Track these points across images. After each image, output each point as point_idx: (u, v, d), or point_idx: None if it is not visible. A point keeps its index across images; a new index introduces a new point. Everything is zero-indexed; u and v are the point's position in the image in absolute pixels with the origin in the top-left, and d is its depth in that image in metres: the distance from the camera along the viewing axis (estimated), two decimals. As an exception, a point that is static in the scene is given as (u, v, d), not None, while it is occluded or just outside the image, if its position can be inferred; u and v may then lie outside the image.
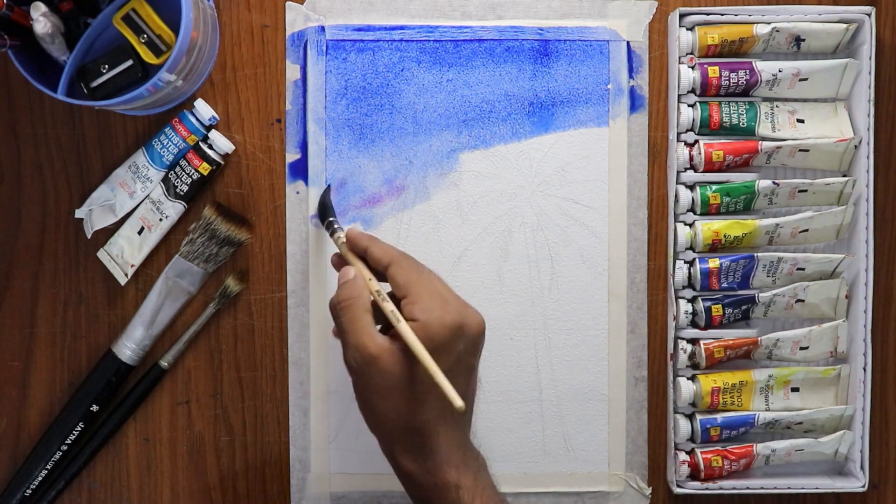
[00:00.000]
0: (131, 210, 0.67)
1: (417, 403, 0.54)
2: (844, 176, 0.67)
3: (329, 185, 0.67)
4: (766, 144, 0.66)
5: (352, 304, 0.55)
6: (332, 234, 0.62)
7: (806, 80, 0.66)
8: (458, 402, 0.51)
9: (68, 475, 0.67)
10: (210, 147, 0.66)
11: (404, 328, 0.53)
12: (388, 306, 0.55)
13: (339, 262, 0.61)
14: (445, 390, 0.51)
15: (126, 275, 0.67)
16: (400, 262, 0.57)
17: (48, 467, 0.67)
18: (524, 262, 0.68)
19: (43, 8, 0.58)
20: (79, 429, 0.67)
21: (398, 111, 0.68)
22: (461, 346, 0.55)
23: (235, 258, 0.68)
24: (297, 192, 0.68)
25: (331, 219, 0.63)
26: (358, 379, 0.56)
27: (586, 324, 0.68)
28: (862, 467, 0.66)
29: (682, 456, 0.67)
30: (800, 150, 0.66)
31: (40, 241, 0.68)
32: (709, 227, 0.66)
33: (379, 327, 0.56)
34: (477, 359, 0.57)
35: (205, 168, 0.66)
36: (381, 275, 0.58)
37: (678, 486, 0.67)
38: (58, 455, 0.67)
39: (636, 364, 0.68)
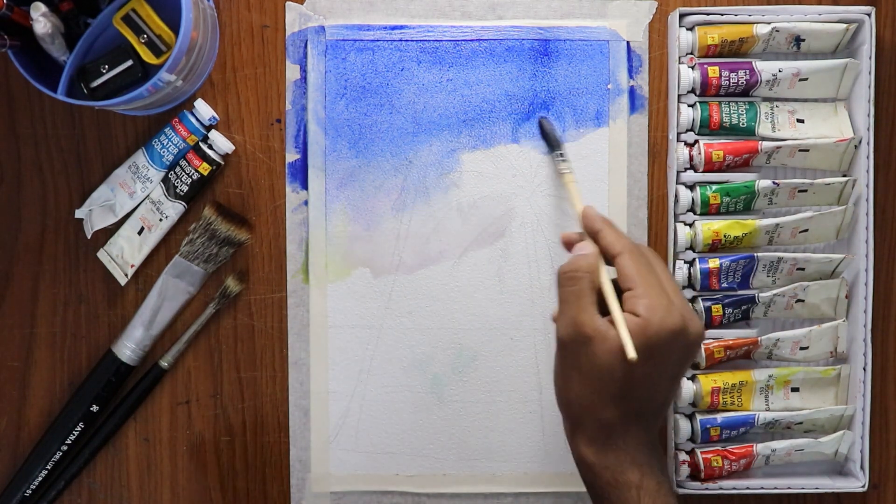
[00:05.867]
0: (131, 210, 0.67)
1: (614, 397, 0.52)
2: (844, 176, 0.67)
3: (544, 117, 0.66)
4: (766, 144, 0.66)
5: (581, 277, 0.54)
6: (558, 165, 0.62)
7: (806, 80, 0.66)
8: (632, 353, 0.50)
9: (68, 475, 0.67)
10: (210, 147, 0.66)
11: (613, 303, 0.52)
12: (609, 289, 0.54)
13: (573, 238, 0.59)
14: (623, 340, 0.51)
15: (126, 275, 0.67)
16: (631, 253, 0.55)
17: (48, 467, 0.67)
18: (524, 262, 0.68)
19: (43, 8, 0.58)
20: (79, 429, 0.67)
21: (398, 111, 0.68)
22: (675, 353, 0.53)
23: (235, 258, 0.68)
24: (297, 192, 0.68)
25: (560, 152, 0.63)
26: (564, 354, 0.54)
27: (586, 324, 0.68)
28: (862, 467, 0.66)
29: (682, 456, 0.67)
30: (800, 150, 0.66)
31: (40, 241, 0.68)
32: (709, 227, 0.66)
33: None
34: (685, 369, 0.55)
35: (205, 168, 0.66)
36: (608, 261, 0.56)
37: (678, 486, 0.67)
38: (58, 455, 0.67)
39: (636, 364, 0.68)
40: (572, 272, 0.55)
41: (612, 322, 0.53)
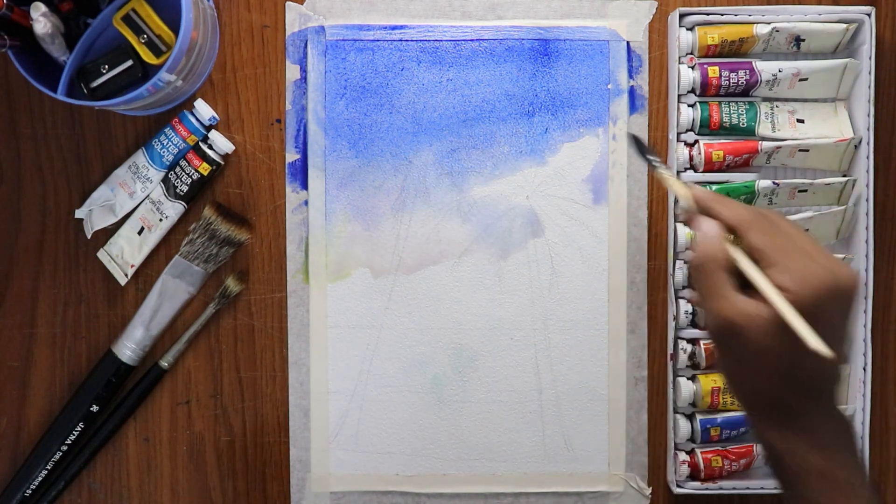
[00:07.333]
0: (131, 210, 0.67)
1: (783, 375, 0.48)
2: (844, 176, 0.67)
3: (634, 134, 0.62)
4: (766, 144, 0.66)
5: (709, 264, 0.49)
6: (656, 170, 0.57)
7: (806, 80, 0.66)
8: (825, 349, 0.44)
9: (68, 475, 0.67)
10: (210, 147, 0.66)
11: (765, 286, 0.47)
12: (746, 263, 0.48)
13: (690, 217, 0.54)
14: (809, 341, 0.45)
15: (126, 275, 0.67)
16: (758, 226, 0.49)
17: (48, 467, 0.67)
18: (524, 262, 0.68)
19: (43, 8, 0.58)
20: (79, 429, 0.67)
21: (398, 111, 0.68)
22: (831, 310, 0.48)
23: (235, 258, 0.68)
24: (297, 192, 0.68)
25: (651, 157, 0.58)
26: (719, 347, 0.50)
27: (586, 324, 0.68)
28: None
29: (682, 456, 0.67)
30: (800, 150, 0.66)
31: (40, 241, 0.68)
32: (709, 227, 0.66)
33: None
34: (848, 321, 0.49)
35: (205, 168, 0.66)
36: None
37: (678, 486, 0.67)
38: (58, 455, 0.67)
39: (636, 364, 0.68)
40: (701, 264, 0.50)
41: (758, 299, 0.48)
